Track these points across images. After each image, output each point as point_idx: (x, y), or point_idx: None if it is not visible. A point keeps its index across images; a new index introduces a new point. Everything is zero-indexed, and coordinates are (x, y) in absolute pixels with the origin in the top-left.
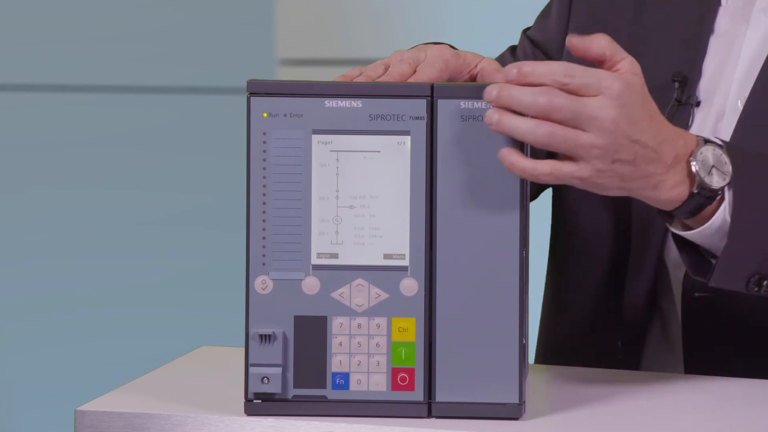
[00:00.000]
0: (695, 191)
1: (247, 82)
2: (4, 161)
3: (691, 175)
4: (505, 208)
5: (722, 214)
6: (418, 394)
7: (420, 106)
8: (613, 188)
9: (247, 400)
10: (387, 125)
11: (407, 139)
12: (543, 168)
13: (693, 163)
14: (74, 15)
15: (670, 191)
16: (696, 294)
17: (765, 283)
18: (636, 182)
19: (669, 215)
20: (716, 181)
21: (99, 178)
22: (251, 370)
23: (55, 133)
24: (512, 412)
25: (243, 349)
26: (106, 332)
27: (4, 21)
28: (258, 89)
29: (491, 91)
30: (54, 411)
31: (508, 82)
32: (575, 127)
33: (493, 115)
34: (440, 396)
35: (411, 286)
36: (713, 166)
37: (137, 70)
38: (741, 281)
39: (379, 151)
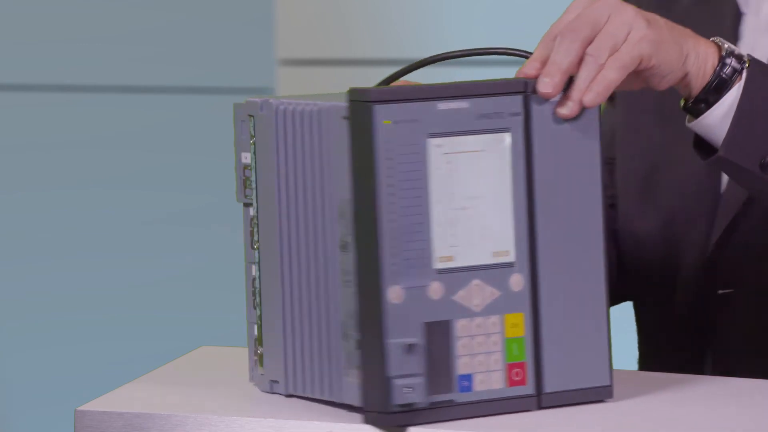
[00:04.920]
0: (724, 54)
1: (368, 91)
2: (4, 161)
3: (717, 47)
4: (588, 202)
5: (735, 92)
6: (529, 387)
7: (516, 102)
8: (670, 41)
9: (389, 413)
10: (490, 123)
11: (508, 136)
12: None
13: (713, 40)
14: (74, 15)
15: (707, 46)
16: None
17: None
18: (678, 32)
19: (695, 108)
20: (740, 52)
21: (99, 178)
22: (395, 381)
23: (55, 133)
24: (605, 394)
25: (243, 349)
26: (106, 332)
27: (4, 21)
28: (379, 97)
29: (544, 87)
30: (54, 411)
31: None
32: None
33: (566, 105)
34: (548, 387)
35: (518, 282)
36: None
37: (137, 70)
38: (754, 159)
39: (484, 150)
